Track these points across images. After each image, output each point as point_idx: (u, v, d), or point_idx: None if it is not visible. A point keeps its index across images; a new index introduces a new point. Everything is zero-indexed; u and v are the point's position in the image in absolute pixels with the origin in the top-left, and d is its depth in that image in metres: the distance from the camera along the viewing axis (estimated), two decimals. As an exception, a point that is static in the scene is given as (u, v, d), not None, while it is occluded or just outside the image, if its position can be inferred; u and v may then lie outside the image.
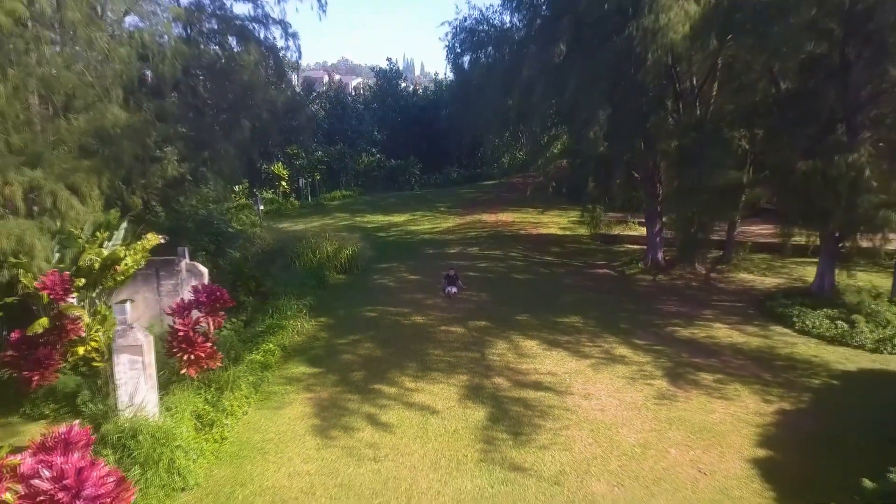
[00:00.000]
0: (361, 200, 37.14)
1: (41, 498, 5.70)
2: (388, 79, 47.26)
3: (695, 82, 18.91)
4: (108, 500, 6.04)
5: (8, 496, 5.85)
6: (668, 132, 18.48)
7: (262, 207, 29.44)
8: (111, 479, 6.12)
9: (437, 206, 34.86)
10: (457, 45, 33.47)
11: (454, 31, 33.73)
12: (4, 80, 11.69)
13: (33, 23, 12.20)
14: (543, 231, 27.53)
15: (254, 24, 17.90)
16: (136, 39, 14.05)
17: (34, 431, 11.02)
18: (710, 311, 17.54)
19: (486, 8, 25.93)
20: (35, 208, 12.00)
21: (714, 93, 18.74)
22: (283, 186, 35.25)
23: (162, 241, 12.87)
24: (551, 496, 8.97)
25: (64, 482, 5.85)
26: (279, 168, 33.83)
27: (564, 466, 9.75)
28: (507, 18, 30.33)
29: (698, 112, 19.08)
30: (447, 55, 36.44)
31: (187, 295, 13.56)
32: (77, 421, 7.73)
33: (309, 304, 16.47)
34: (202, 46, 16.23)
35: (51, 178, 11.92)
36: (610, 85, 16.20)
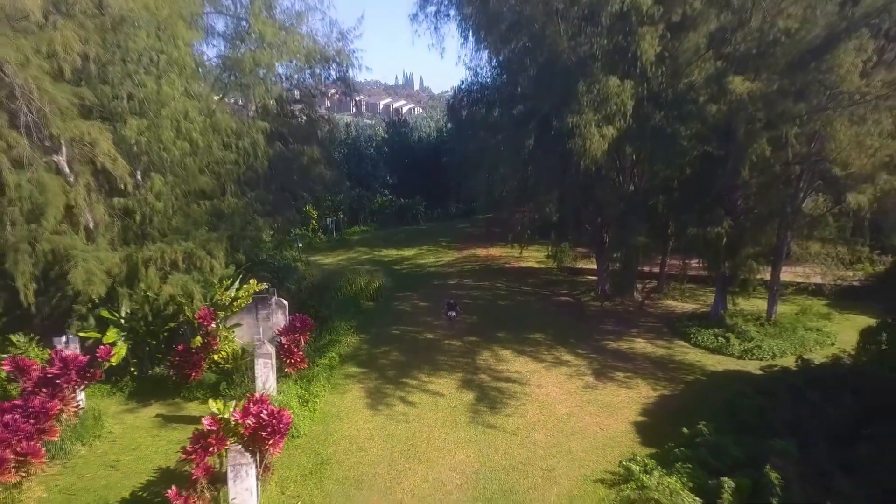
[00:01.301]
0: (377, 235, 43.31)
1: (264, 422, 11.79)
2: (396, 129, 54.17)
3: (628, 163, 25.12)
4: (283, 425, 12.11)
5: (248, 422, 11.90)
6: (607, 200, 24.66)
7: (300, 245, 35.48)
8: (284, 415, 12.23)
9: (440, 241, 40.99)
10: (456, 103, 39.80)
11: (455, 92, 40.38)
12: (172, 187, 17.90)
13: (181, 142, 18.36)
14: (523, 265, 33.60)
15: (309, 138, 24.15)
16: (240, 148, 20.21)
17: (191, 407, 17.03)
18: (636, 329, 23.58)
19: (482, 69, 30.63)
20: (187, 265, 18.05)
21: (642, 171, 24.95)
22: (313, 224, 41.40)
23: (265, 286, 19.11)
24: (510, 441, 15.03)
25: (267, 415, 11.93)
26: (310, 209, 39.96)
27: (520, 425, 15.81)
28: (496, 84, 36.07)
29: (633, 184, 25.31)
30: (448, 109, 43.21)
31: (280, 319, 19.74)
32: (260, 392, 13.89)
33: (353, 325, 22.56)
34: (278, 146, 22.37)
35: (197, 246, 18.01)
36: (561, 173, 22.40)
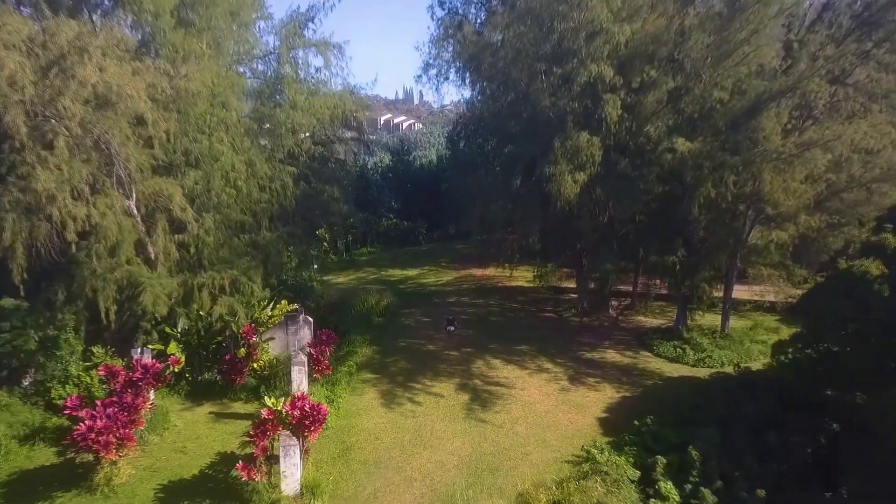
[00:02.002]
0: (383, 256, 46.74)
1: (306, 413, 15.16)
2: (399, 157, 58.12)
3: (601, 199, 28.61)
4: (321, 416, 15.45)
5: (295, 413, 15.25)
6: (583, 230, 28.15)
7: (315, 266, 38.87)
8: (321, 409, 15.59)
9: (440, 261, 44.40)
10: (454, 135, 43.56)
11: (454, 124, 44.29)
12: (219, 224, 21.39)
13: (229, 188, 21.87)
14: (514, 284, 36.97)
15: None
16: (273, 189, 23.72)
17: (237, 406, 20.35)
18: (609, 341, 26.93)
19: (477, 108, 34.08)
20: (232, 289, 21.45)
21: (613, 206, 28.44)
22: (325, 246, 44.81)
23: (295, 307, 22.56)
24: (496, 432, 18.37)
25: (308, 408, 15.29)
26: (323, 233, 43.38)
27: (505, 420, 19.16)
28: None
29: (606, 217, 28.80)
30: (448, 140, 47.16)
31: (306, 334, 23.11)
32: (301, 391, 17.24)
33: (367, 338, 25.93)
34: (303, 185, 25.89)
35: (240, 273, 21.43)
36: (543, 208, 25.90)
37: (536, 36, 23.48)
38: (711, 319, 28.00)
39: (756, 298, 30.69)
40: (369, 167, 59.21)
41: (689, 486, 14.63)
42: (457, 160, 42.30)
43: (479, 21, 30.34)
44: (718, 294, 27.24)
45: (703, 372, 23.25)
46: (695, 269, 25.54)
